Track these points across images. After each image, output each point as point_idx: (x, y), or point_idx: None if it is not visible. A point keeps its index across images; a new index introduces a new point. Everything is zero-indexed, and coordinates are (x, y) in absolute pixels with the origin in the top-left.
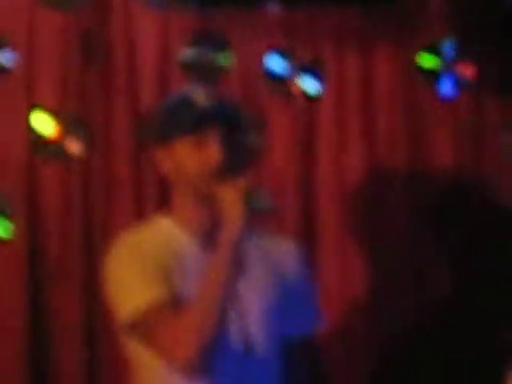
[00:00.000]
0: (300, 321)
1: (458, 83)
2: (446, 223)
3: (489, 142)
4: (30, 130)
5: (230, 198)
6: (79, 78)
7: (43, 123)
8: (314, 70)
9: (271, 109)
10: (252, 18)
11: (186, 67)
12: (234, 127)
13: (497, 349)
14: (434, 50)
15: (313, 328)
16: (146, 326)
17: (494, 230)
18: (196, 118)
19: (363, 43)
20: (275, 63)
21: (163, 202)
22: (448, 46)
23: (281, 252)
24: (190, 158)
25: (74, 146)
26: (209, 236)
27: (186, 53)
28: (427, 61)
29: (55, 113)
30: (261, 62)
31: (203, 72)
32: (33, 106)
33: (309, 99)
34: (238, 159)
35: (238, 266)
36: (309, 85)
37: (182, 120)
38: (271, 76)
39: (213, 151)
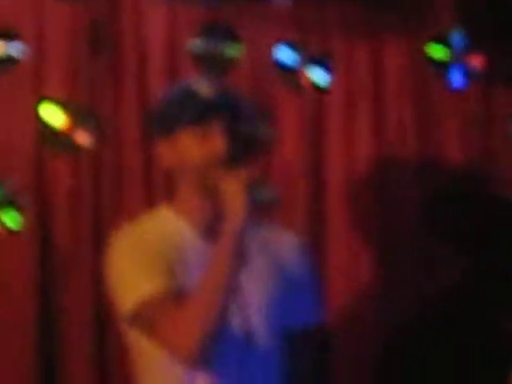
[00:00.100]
0: (301, 312)
1: (468, 74)
2: (454, 214)
3: (498, 132)
4: (39, 121)
5: (233, 190)
6: (88, 69)
7: (52, 115)
8: (323, 62)
9: (281, 100)
10: (262, 9)
11: (196, 58)
12: (238, 118)
13: (502, 338)
14: (443, 40)
15: (314, 319)
16: (148, 317)
17: (503, 221)
18: (199, 109)
19: (373, 34)
20: (285, 54)
21: (173, 192)
22: (457, 36)
23: (282, 243)
24: (193, 149)
25: (84, 138)
26: (211, 228)
27: (196, 44)
28: (437, 51)
29: (64, 104)
30: (270, 53)
31: (213, 63)
32: (42, 97)
33: (318, 91)
34: (242, 150)
35: (240, 257)
36: (318, 76)
37: (185, 111)
38: (281, 67)
39: (216, 142)
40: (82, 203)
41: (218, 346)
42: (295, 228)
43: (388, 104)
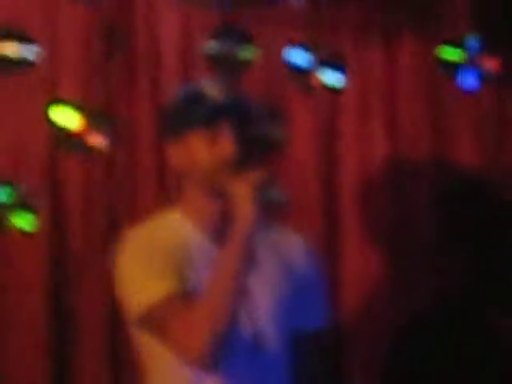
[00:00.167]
0: (310, 314)
1: (481, 76)
2: (466, 214)
3: (510, 134)
4: (53, 123)
5: (242, 193)
6: (102, 71)
7: (66, 116)
8: (336, 63)
9: (294, 102)
10: (275, 11)
11: (210, 60)
12: (248, 121)
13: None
14: (457, 43)
15: (323, 321)
16: (157, 319)
17: None
18: (209, 112)
19: (386, 36)
20: (298, 56)
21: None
22: (471, 39)
23: (291, 245)
24: (202, 151)
25: (98, 140)
26: (220, 231)
27: (210, 46)
28: (450, 54)
29: (78, 106)
30: (284, 55)
31: (227, 65)
32: (56, 99)
33: (331, 92)
34: (252, 153)
35: (248, 260)
36: (331, 78)
37: (194, 113)
38: (294, 69)
39: (225, 145)
40: (96, 205)
41: (227, 349)
42: (308, 230)
43: (402, 106)
